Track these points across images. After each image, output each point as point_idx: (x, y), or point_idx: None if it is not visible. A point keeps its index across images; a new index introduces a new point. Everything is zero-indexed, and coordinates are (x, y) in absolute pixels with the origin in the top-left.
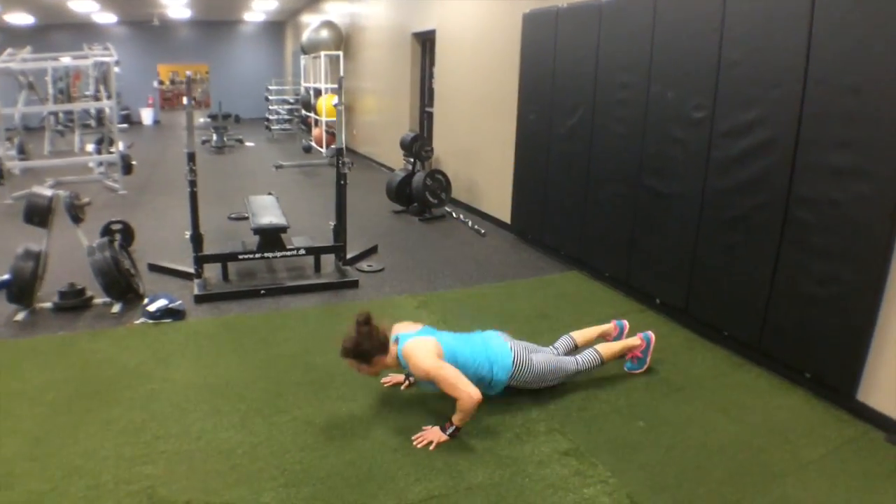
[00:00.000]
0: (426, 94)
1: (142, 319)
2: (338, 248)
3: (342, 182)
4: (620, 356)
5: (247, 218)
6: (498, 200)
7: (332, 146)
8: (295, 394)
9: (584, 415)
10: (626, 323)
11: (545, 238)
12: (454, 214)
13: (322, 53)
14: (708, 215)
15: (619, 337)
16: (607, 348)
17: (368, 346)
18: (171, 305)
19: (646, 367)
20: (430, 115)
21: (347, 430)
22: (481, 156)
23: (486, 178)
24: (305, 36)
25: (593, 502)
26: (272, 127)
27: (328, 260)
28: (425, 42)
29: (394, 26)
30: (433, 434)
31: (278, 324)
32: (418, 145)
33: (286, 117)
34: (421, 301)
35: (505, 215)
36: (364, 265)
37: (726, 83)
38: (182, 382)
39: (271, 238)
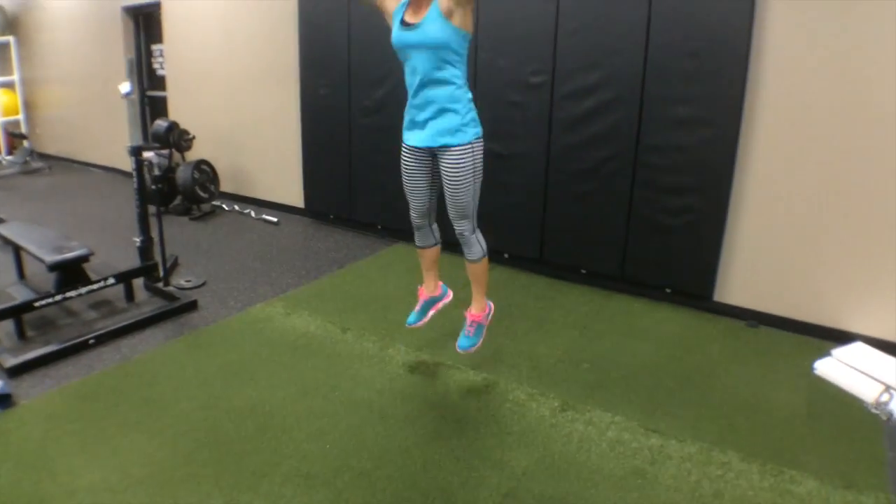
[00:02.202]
0: (145, 77)
1: None
2: (150, 269)
3: (151, 187)
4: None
5: None
6: (280, 184)
7: (20, 149)
8: (255, 473)
9: (539, 373)
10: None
11: (356, 216)
12: (225, 207)
13: None
14: (557, 170)
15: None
16: None
17: None
18: None
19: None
20: (154, 99)
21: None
22: (251, 139)
23: (258, 163)
24: None
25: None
26: None
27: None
28: (138, 17)
29: (91, 2)
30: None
31: (144, 377)
32: (176, 134)
33: None
34: (287, 306)
35: (292, 199)
36: (181, 282)
37: (565, 50)
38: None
39: (72, 272)
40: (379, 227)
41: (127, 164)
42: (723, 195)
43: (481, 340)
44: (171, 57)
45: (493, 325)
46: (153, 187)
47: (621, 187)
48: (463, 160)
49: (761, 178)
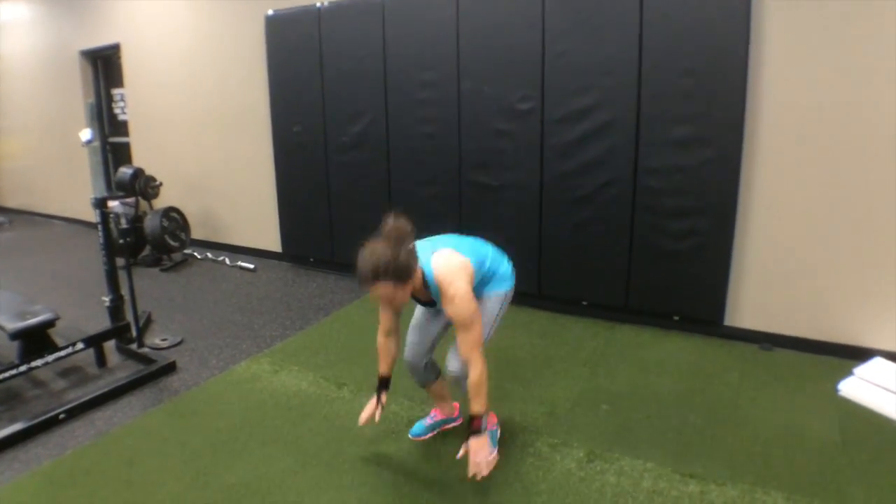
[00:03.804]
0: (106, 123)
1: None
2: (122, 330)
3: (119, 241)
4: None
5: None
6: (255, 229)
7: None
8: None
9: (557, 420)
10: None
11: (337, 257)
12: (198, 255)
13: None
14: (551, 199)
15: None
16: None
17: (407, 258)
18: None
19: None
20: (116, 145)
21: None
22: (221, 182)
23: (230, 207)
24: None
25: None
26: None
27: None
28: (97, 61)
29: (48, 47)
30: (480, 449)
31: (124, 455)
32: (142, 181)
33: None
34: (274, 362)
35: (268, 244)
36: (156, 341)
37: (554, 74)
38: None
39: (37, 339)
40: None
41: (90, 215)
42: (728, 216)
43: (496, 448)
44: (132, 101)
45: (501, 368)
46: (121, 241)
47: (621, 213)
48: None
49: (767, 195)
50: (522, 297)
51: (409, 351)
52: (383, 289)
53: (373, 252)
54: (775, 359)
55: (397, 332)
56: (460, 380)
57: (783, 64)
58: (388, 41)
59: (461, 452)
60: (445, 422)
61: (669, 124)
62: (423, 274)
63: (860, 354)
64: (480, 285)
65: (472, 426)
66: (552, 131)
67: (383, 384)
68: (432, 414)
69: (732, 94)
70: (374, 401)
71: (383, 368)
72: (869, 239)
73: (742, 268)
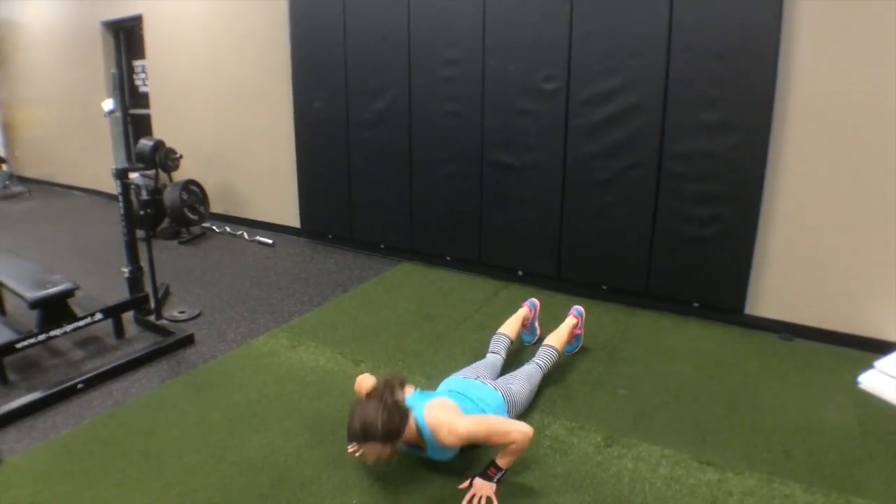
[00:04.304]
0: (127, 95)
1: None
2: (141, 301)
3: (140, 212)
4: (568, 341)
5: None
6: (274, 204)
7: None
8: None
9: (575, 403)
10: (536, 302)
11: (357, 235)
12: (216, 229)
13: None
14: (574, 181)
15: (535, 316)
16: (557, 339)
17: (398, 420)
18: None
19: (580, 344)
20: (137, 117)
21: None
22: (241, 156)
23: (249, 182)
24: None
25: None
26: None
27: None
28: (119, 32)
29: (70, 17)
30: (483, 488)
31: (141, 426)
32: (162, 154)
33: None
34: (292, 337)
35: (287, 219)
36: (175, 314)
37: (581, 55)
38: None
39: (56, 309)
40: (382, 246)
41: (110, 186)
42: (753, 203)
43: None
44: (154, 73)
45: (518, 349)
46: (142, 212)
47: (644, 198)
48: None
49: (793, 184)
50: (541, 278)
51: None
52: (371, 448)
53: (364, 413)
54: (795, 349)
55: None
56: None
57: (815, 51)
58: (413, 18)
59: (464, 484)
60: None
61: (697, 108)
62: (417, 423)
63: (881, 347)
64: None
65: (487, 471)
66: (577, 112)
67: None
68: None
69: (762, 79)
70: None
71: None
72: (892, 230)
73: (765, 256)
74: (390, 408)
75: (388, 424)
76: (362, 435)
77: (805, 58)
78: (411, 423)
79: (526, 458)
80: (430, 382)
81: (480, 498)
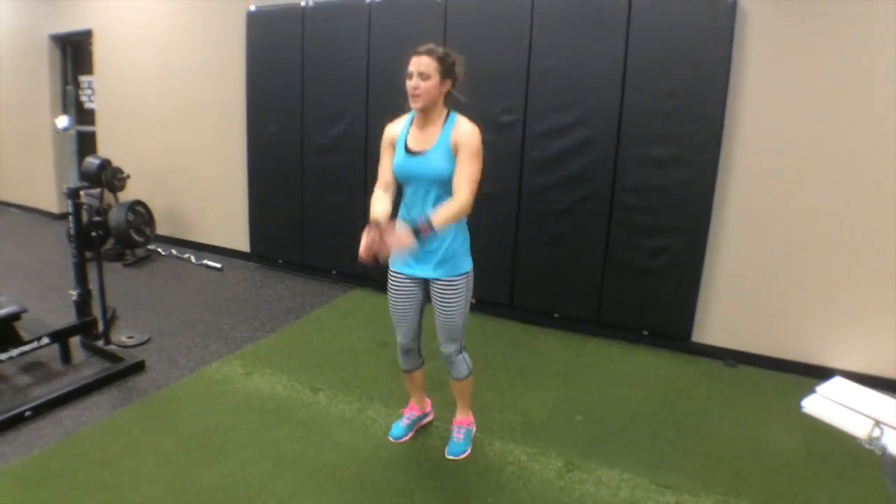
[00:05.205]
0: (72, 110)
1: None
2: (89, 325)
3: (92, 234)
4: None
5: None
6: (223, 227)
7: None
8: None
9: (534, 429)
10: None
11: (307, 260)
12: (162, 252)
13: None
14: (528, 211)
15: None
16: None
17: (455, 63)
18: None
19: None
20: (82, 134)
21: None
22: (190, 178)
23: (198, 204)
24: None
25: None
26: None
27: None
28: (67, 46)
29: (17, 29)
30: (402, 237)
31: (95, 456)
32: (108, 173)
33: None
34: (246, 364)
35: (236, 243)
36: (123, 339)
37: (538, 89)
38: None
39: (2, 332)
40: (333, 272)
41: (50, 204)
42: (700, 235)
43: (471, 446)
44: (101, 89)
45: (475, 376)
46: (92, 233)
47: (597, 229)
48: (458, 289)
49: (739, 216)
50: (494, 306)
51: (402, 337)
52: (427, 64)
53: (434, 43)
54: (740, 375)
55: (392, 187)
56: (453, 360)
57: (761, 90)
58: (373, 45)
59: (387, 233)
60: (421, 418)
61: (648, 144)
62: (448, 113)
63: (821, 373)
64: (465, 245)
65: (419, 224)
66: (533, 145)
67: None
68: (407, 414)
69: (711, 117)
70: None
71: (376, 211)
72: (832, 262)
73: (711, 286)
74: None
75: (448, 56)
76: (427, 49)
77: (751, 96)
78: (443, 107)
79: (490, 483)
80: (388, 410)
81: (397, 243)
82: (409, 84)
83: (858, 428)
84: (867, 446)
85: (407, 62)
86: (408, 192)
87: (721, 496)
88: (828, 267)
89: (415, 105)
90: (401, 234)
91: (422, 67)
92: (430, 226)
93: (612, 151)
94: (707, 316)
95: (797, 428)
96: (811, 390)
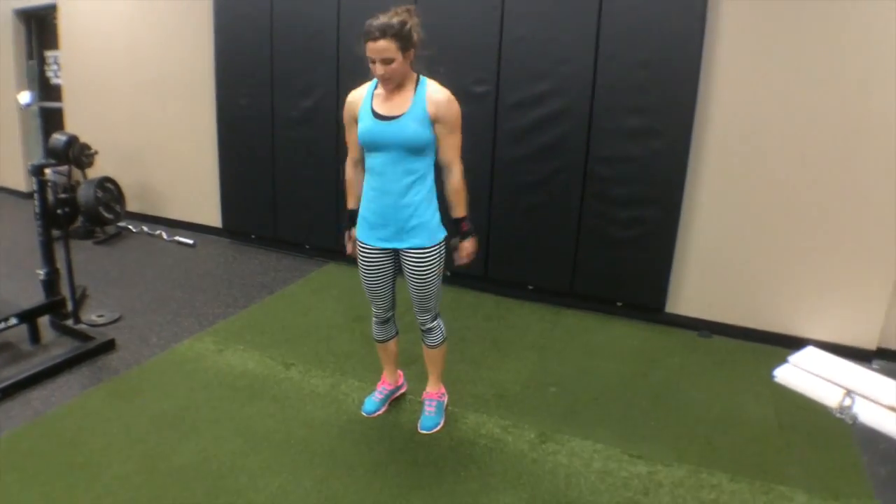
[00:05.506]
0: (37, 86)
1: None
2: (57, 304)
3: (57, 211)
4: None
5: None
6: (194, 203)
7: None
8: None
9: (507, 402)
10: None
11: (280, 235)
12: (133, 229)
13: None
14: (502, 183)
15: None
16: None
17: (412, 30)
18: None
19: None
20: (48, 110)
21: None
22: (160, 153)
23: (168, 180)
24: None
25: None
26: None
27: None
28: (31, 21)
29: None
30: (470, 245)
31: (65, 437)
32: (76, 149)
33: None
34: (218, 341)
35: (208, 219)
36: (93, 318)
37: (511, 59)
38: None
39: None
40: (306, 246)
41: (14, 182)
42: (674, 206)
43: (444, 419)
44: (68, 64)
45: (450, 349)
46: (58, 211)
47: (570, 200)
48: (431, 259)
49: (712, 188)
50: (468, 279)
51: (377, 307)
52: (386, 48)
53: (384, 15)
54: (713, 345)
55: (363, 163)
56: (429, 326)
57: (734, 62)
58: (343, 15)
59: (458, 251)
60: (393, 392)
61: (622, 114)
62: (418, 78)
63: (793, 343)
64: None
65: (462, 228)
66: (506, 116)
67: (352, 220)
68: (380, 388)
69: (684, 88)
70: (348, 236)
71: (352, 203)
72: (803, 234)
73: (684, 257)
74: (411, 21)
75: (404, 25)
76: (383, 30)
77: (724, 67)
78: (413, 74)
79: (462, 456)
80: (362, 385)
81: (471, 253)
82: (376, 71)
83: (829, 397)
84: (838, 415)
85: (363, 44)
86: (376, 159)
87: (694, 465)
88: (800, 238)
89: (388, 88)
90: (466, 248)
91: (382, 53)
92: (467, 220)
93: (586, 122)
94: (681, 287)
95: (770, 398)
96: (784, 360)
